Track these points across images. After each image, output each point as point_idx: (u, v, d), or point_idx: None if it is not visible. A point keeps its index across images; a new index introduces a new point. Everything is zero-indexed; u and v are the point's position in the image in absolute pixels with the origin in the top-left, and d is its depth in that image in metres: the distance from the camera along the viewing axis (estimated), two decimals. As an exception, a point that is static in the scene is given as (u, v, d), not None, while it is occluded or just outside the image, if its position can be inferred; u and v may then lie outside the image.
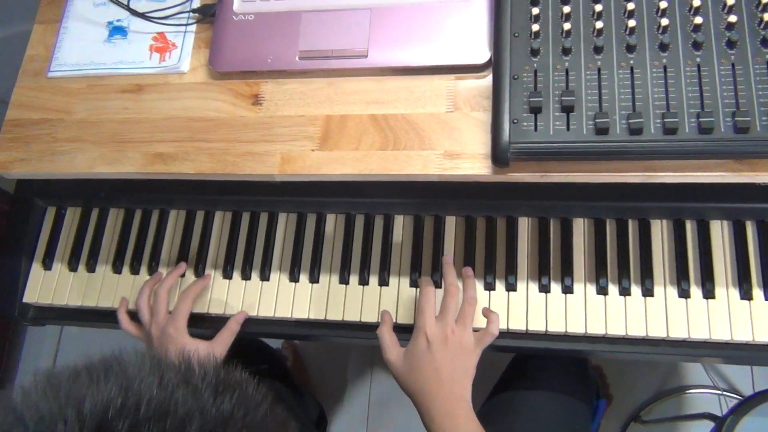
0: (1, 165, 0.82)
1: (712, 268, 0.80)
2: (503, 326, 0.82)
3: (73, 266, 0.95)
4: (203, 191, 0.90)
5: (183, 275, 0.92)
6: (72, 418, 0.32)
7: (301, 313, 0.88)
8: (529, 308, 0.83)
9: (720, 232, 0.81)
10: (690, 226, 0.82)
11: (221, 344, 0.85)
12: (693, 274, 0.80)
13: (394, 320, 0.84)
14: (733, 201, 0.79)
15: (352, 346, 1.56)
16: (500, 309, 0.83)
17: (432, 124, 0.75)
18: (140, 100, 0.83)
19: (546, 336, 0.83)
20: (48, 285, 0.95)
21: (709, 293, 0.79)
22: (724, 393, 1.29)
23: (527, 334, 0.84)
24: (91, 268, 0.95)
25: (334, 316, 0.87)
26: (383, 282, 0.87)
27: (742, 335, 0.77)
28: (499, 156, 0.68)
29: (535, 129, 0.67)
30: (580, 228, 0.85)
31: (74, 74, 0.86)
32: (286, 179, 0.77)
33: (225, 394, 0.38)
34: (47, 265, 0.96)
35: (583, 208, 0.84)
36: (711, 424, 0.96)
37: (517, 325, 0.83)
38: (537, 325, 0.82)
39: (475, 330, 0.78)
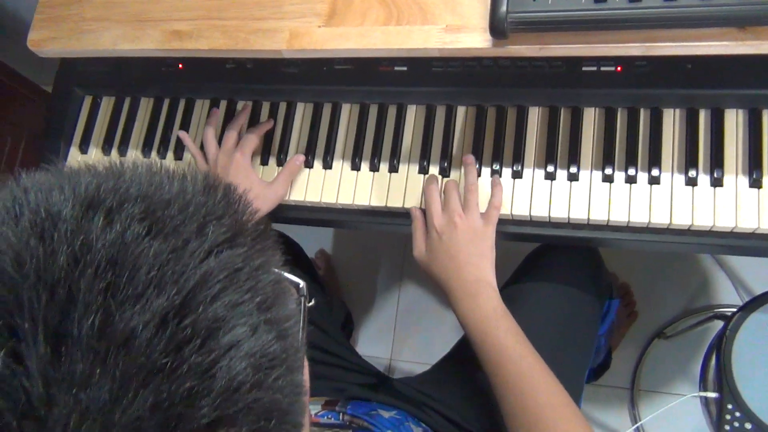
0: (34, 43, 0.87)
1: (722, 156, 0.78)
2: (507, 212, 0.84)
3: (106, 151, 1.01)
4: (227, 80, 0.94)
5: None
6: (67, 189, 0.33)
7: (314, 196, 0.91)
8: (534, 195, 0.84)
9: (734, 121, 0.79)
10: (703, 115, 0.80)
11: (283, 184, 0.88)
12: (702, 162, 0.79)
13: (402, 205, 0.87)
14: (750, 87, 0.76)
15: (378, 233, 1.58)
16: (505, 196, 0.84)
17: (436, -1, 0.75)
18: (161, -19, 0.86)
19: (549, 223, 0.84)
20: (84, 167, 1.01)
21: (717, 181, 0.78)
22: (753, 312, 1.26)
23: (531, 222, 0.84)
24: (122, 153, 1.01)
25: (345, 200, 0.90)
26: (393, 169, 0.89)
27: (747, 223, 0.76)
28: (496, 27, 0.68)
29: (534, -2, 0.67)
30: (591, 117, 0.84)
31: (102, -42, 0.90)
32: (293, 56, 0.79)
33: (216, 193, 0.37)
34: (83, 149, 1.02)
35: (595, 97, 0.83)
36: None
37: (521, 211, 0.83)
38: (540, 211, 0.83)
39: None
